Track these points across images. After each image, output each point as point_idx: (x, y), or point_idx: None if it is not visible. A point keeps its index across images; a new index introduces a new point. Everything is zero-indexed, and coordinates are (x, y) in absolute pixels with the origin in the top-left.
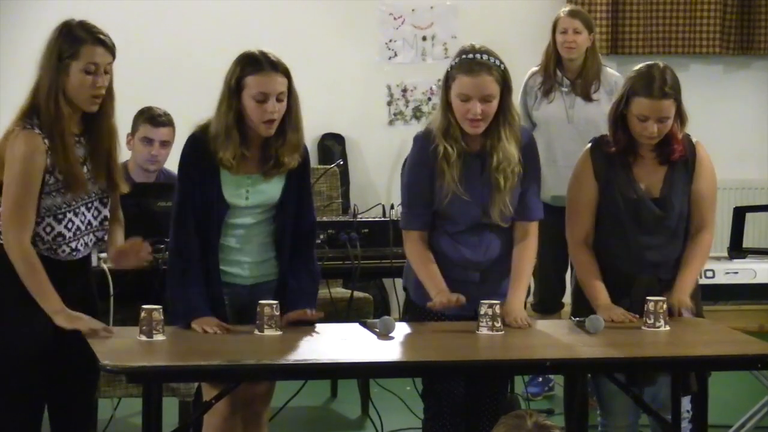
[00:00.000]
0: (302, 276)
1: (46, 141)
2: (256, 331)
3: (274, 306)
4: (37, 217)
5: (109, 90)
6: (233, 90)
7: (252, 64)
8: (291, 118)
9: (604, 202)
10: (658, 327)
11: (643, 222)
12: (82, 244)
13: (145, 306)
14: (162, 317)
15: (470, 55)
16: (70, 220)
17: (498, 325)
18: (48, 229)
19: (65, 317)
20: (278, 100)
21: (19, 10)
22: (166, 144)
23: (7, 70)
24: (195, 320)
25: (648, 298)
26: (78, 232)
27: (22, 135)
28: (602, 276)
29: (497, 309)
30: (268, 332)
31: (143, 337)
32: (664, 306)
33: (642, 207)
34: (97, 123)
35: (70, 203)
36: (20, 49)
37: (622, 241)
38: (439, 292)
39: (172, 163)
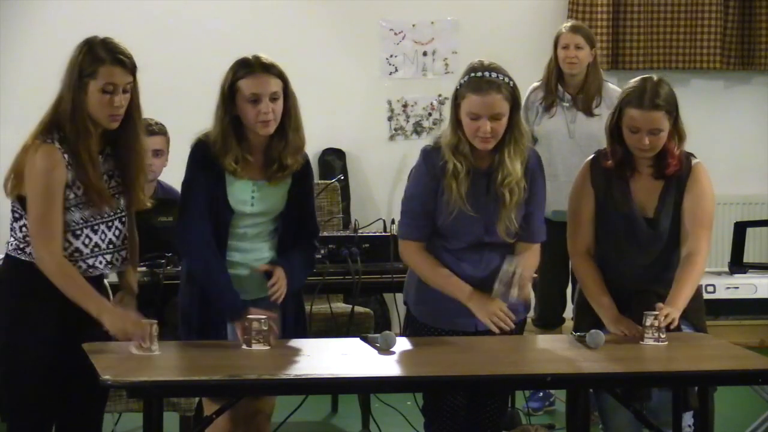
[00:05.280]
0: (291, 252)
1: (66, 156)
2: (244, 346)
3: (263, 321)
4: None
5: (134, 107)
6: (227, 95)
7: (244, 67)
8: (290, 119)
9: (601, 217)
10: (657, 341)
11: (637, 238)
12: (100, 262)
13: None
14: (156, 332)
15: (479, 73)
16: (88, 236)
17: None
18: (66, 245)
19: (110, 318)
20: (272, 99)
21: (20, 10)
22: (159, 153)
23: (7, 70)
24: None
25: (645, 312)
26: (96, 249)
27: (41, 149)
28: (609, 292)
29: (662, 320)
30: (256, 347)
31: (136, 351)
32: (661, 319)
33: (635, 223)
34: (122, 139)
35: (88, 219)
36: (20, 49)
37: (618, 256)
38: (471, 296)
39: (170, 178)
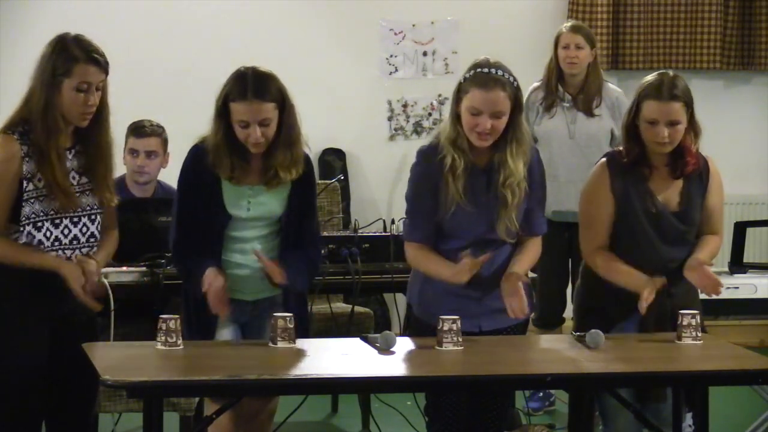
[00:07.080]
0: (293, 253)
1: (24, 148)
2: (270, 344)
3: (288, 318)
4: (18, 224)
5: (103, 105)
6: (221, 110)
7: (237, 87)
8: (283, 136)
9: (623, 217)
10: (695, 340)
11: (666, 235)
12: (59, 256)
13: (162, 315)
14: (179, 326)
15: (485, 69)
16: (48, 229)
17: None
18: (29, 237)
19: (69, 269)
20: (263, 125)
21: (20, 10)
22: (153, 154)
23: (7, 70)
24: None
25: (681, 312)
26: (57, 243)
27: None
28: (617, 293)
29: (698, 318)
30: (282, 344)
31: (162, 346)
32: (698, 319)
33: (663, 220)
34: (91, 137)
35: (48, 212)
36: (20, 49)
37: (645, 254)
38: (457, 272)
39: (170, 178)
